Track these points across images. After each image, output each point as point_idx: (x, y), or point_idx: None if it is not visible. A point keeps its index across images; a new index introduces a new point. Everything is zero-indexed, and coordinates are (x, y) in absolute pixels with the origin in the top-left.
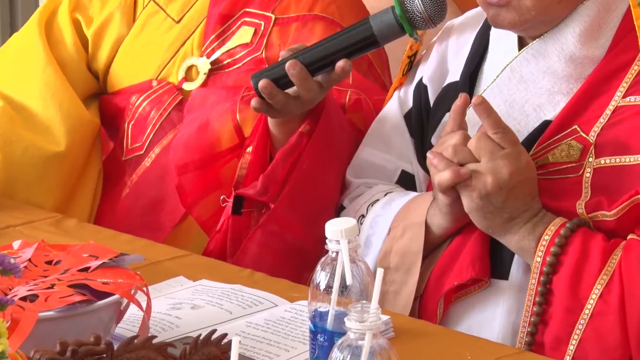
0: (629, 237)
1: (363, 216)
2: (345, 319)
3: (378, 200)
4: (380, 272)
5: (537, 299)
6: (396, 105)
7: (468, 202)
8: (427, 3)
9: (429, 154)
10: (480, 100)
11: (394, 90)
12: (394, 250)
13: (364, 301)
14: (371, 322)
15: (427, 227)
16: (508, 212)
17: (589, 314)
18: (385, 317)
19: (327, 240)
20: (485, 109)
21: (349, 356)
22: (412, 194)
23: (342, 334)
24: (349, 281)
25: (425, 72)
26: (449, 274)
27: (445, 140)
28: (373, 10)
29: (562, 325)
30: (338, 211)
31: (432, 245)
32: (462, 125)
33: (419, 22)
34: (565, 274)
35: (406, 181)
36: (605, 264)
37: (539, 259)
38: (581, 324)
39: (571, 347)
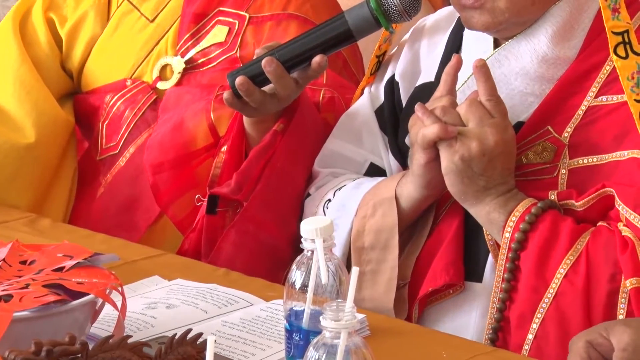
0: (599, 224)
1: (329, 200)
2: (321, 318)
3: (345, 185)
4: (355, 270)
5: (505, 275)
6: (367, 100)
7: (448, 163)
8: None
9: (416, 107)
10: (482, 63)
11: (362, 89)
12: (367, 228)
13: (340, 300)
14: (347, 321)
15: (397, 201)
16: (484, 181)
17: (554, 293)
18: (360, 316)
19: (302, 239)
20: (485, 72)
21: (324, 355)
22: (381, 179)
23: (318, 332)
24: (324, 280)
25: (397, 69)
26: (422, 278)
27: (433, 103)
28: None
29: (527, 303)
30: (304, 199)
31: (404, 222)
32: (452, 90)
33: (395, 15)
34: (532, 252)
35: (375, 174)
36: (572, 245)
37: (507, 235)
38: (545, 303)
39: (534, 326)
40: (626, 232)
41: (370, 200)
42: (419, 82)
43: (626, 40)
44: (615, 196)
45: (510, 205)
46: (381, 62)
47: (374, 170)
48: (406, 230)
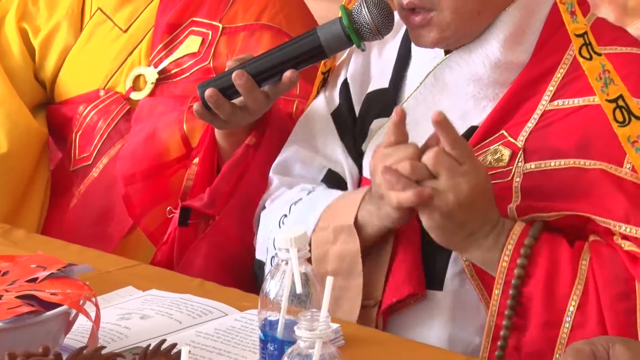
0: (592, 238)
1: (285, 215)
2: (295, 328)
3: (301, 199)
4: (330, 280)
5: (506, 312)
6: (323, 104)
7: (429, 221)
8: (375, 14)
9: (382, 171)
10: (441, 117)
11: (309, 104)
12: (330, 255)
13: (314, 309)
14: (321, 331)
15: (361, 228)
16: (469, 228)
17: (569, 327)
18: (335, 326)
19: (276, 249)
20: (445, 125)
21: None
22: (335, 193)
23: (292, 342)
24: (298, 290)
25: (348, 72)
26: (385, 289)
27: (393, 153)
28: (321, 20)
29: (544, 340)
30: (259, 211)
31: (369, 242)
32: (404, 136)
33: (367, 34)
34: (537, 288)
35: (331, 180)
36: (576, 273)
37: (503, 268)
38: (563, 339)
39: None
40: (629, 246)
41: (329, 223)
42: (371, 88)
43: (587, 41)
44: (597, 218)
45: (500, 242)
46: (326, 79)
47: (331, 177)
48: (372, 248)
